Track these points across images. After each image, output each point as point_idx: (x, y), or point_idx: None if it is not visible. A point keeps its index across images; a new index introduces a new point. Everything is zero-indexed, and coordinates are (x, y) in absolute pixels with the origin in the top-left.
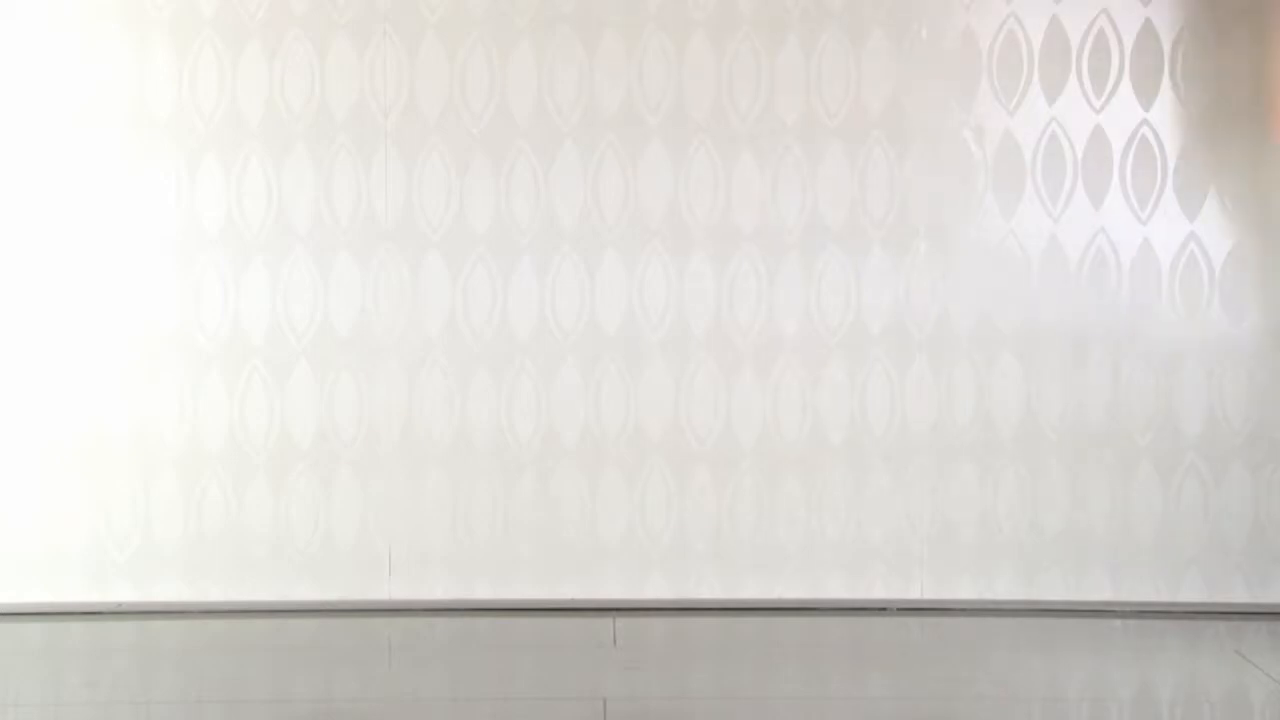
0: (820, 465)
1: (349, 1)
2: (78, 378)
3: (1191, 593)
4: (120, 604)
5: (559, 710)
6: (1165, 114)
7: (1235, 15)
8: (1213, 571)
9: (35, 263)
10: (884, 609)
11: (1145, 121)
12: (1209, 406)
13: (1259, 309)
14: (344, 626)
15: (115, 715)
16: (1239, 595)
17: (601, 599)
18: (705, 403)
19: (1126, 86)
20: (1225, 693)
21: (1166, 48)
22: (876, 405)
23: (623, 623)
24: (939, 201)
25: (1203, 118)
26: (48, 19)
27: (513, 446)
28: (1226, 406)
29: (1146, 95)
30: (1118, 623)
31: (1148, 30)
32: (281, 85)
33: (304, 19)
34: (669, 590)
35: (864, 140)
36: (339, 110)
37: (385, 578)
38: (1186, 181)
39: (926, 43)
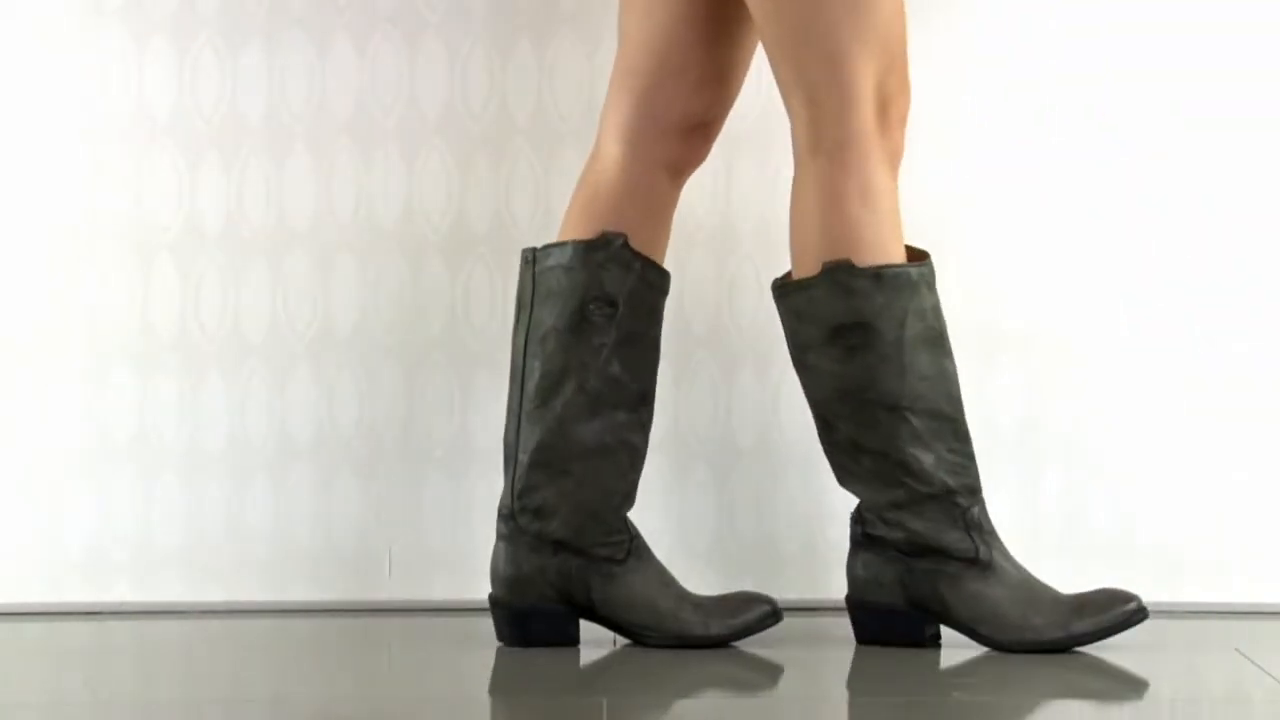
0: (821, 465)
1: (349, 1)
2: (77, 378)
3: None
4: (120, 604)
5: (558, 710)
6: None
7: None
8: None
9: (33, 263)
10: None
11: None
12: None
13: None
14: (344, 626)
15: (115, 715)
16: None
17: None
18: (705, 403)
19: None
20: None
21: None
22: None
23: None
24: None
25: None
26: (46, 18)
27: None
28: None
29: None
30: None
31: None
32: (282, 85)
33: (304, 19)
34: None
35: None
36: (339, 110)
37: (385, 578)
38: None
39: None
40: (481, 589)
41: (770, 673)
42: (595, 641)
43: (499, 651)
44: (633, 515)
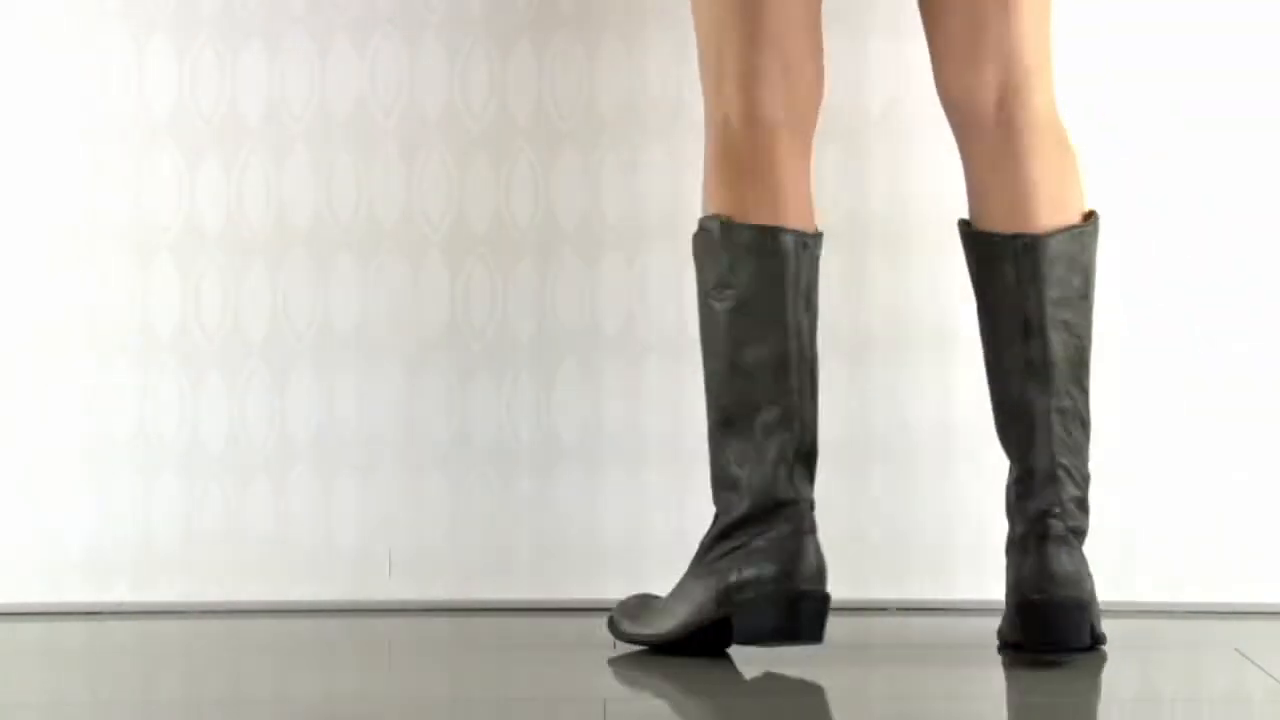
0: (823, 465)
1: (349, 1)
2: (77, 377)
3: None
4: (120, 604)
5: (558, 711)
6: None
7: None
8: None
9: (33, 263)
10: (884, 609)
11: None
12: None
13: None
14: (344, 626)
15: (115, 715)
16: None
17: (601, 599)
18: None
19: None
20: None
21: None
22: (878, 404)
23: None
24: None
25: None
26: (46, 18)
27: (513, 447)
28: None
29: None
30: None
31: None
32: (282, 85)
33: (304, 19)
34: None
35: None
36: (339, 110)
37: (385, 578)
38: None
39: None
40: (481, 589)
41: (770, 673)
42: (595, 643)
43: (498, 652)
44: (637, 517)
